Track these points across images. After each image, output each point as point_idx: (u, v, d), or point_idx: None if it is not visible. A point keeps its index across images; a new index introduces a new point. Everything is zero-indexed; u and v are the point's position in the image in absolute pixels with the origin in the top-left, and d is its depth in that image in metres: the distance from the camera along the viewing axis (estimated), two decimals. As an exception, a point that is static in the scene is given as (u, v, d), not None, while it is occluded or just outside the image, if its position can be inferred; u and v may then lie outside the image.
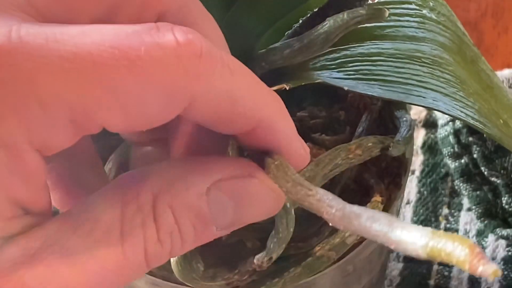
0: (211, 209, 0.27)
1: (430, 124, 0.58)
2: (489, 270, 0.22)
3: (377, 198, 0.38)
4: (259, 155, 0.29)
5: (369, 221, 0.25)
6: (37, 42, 0.24)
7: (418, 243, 0.24)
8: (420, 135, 0.58)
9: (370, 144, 0.37)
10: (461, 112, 0.36)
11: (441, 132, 0.56)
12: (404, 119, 0.39)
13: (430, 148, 0.57)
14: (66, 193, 0.32)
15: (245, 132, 0.28)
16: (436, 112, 0.58)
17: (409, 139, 0.38)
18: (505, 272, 0.52)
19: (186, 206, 0.27)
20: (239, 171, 0.28)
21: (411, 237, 0.24)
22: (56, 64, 0.24)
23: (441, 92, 0.36)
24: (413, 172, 0.57)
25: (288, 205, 0.34)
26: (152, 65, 0.24)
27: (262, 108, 0.28)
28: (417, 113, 0.58)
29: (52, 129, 0.24)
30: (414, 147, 0.57)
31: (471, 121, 0.36)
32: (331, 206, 0.26)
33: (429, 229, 0.24)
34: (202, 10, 0.30)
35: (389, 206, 0.39)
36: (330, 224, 0.27)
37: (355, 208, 0.26)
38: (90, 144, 0.33)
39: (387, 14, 0.34)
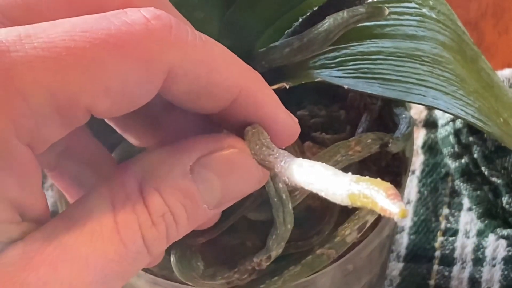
0: (198, 187, 0.27)
1: (430, 124, 0.58)
2: (396, 209, 0.22)
3: (377, 196, 0.38)
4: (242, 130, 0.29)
5: (307, 169, 0.25)
6: (10, 39, 0.24)
7: (342, 188, 0.23)
8: (420, 135, 0.58)
9: (369, 140, 0.37)
10: (461, 110, 0.36)
11: (442, 132, 0.56)
12: (404, 116, 0.39)
13: (431, 148, 0.57)
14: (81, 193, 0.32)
15: (227, 106, 0.28)
16: (436, 112, 0.58)
17: (409, 136, 0.38)
18: (505, 272, 0.51)
19: (172, 187, 0.27)
20: (219, 144, 0.28)
21: (337, 183, 0.24)
22: (32, 55, 0.24)
23: (441, 91, 0.36)
24: (413, 172, 0.56)
25: (284, 196, 0.34)
26: (125, 40, 0.25)
27: (240, 77, 0.28)
28: (417, 113, 0.58)
29: (38, 119, 0.25)
30: (415, 147, 0.57)
31: (471, 120, 0.36)
32: (281, 160, 0.27)
33: (355, 176, 0.24)
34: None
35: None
36: (282, 178, 0.27)
37: (300, 159, 0.26)
38: (97, 143, 0.33)
39: (386, 13, 0.34)
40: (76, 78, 0.24)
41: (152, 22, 0.26)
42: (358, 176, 0.24)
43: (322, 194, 0.24)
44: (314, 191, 0.25)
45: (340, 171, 0.24)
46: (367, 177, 0.23)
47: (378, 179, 0.23)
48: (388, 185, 0.23)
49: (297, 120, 0.30)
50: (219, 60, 0.28)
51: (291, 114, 0.30)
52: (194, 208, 0.28)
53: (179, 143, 0.28)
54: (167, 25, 0.26)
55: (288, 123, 0.30)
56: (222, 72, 0.27)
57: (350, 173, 0.24)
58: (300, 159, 0.26)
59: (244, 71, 0.29)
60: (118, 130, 0.33)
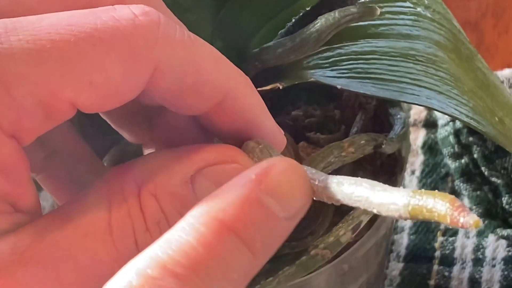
0: (198, 196, 0.27)
1: (430, 124, 0.58)
2: (470, 221, 0.22)
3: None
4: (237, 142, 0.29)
5: (351, 187, 0.25)
6: None
7: (400, 203, 0.23)
8: (420, 135, 0.58)
9: (363, 141, 0.37)
10: (455, 110, 0.36)
11: (441, 132, 0.56)
12: (399, 116, 0.39)
13: (430, 148, 0.57)
14: (69, 196, 0.32)
15: (214, 106, 0.28)
16: (436, 112, 0.58)
17: (403, 136, 0.38)
18: (505, 272, 0.51)
19: (170, 194, 0.27)
20: (222, 157, 0.28)
21: (392, 198, 0.24)
22: (16, 47, 0.24)
23: (435, 90, 0.36)
24: (413, 172, 0.56)
25: None
26: (110, 35, 0.25)
27: (228, 78, 0.28)
28: (417, 113, 0.58)
29: (21, 111, 0.25)
30: (414, 147, 0.57)
31: (465, 119, 0.36)
32: (313, 179, 0.26)
33: (409, 189, 0.24)
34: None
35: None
36: (314, 198, 0.26)
37: (337, 177, 0.26)
38: (86, 146, 0.33)
39: (378, 12, 0.34)
40: (59, 71, 0.25)
41: (140, 18, 0.26)
42: (412, 189, 0.24)
43: (374, 210, 0.24)
44: (361, 207, 0.25)
45: (388, 185, 0.24)
46: (423, 190, 0.23)
47: (436, 191, 0.23)
48: (452, 197, 0.23)
49: (282, 131, 0.30)
50: (207, 59, 0.27)
51: (278, 126, 0.30)
52: None
53: (182, 149, 0.28)
54: (155, 22, 0.26)
55: (275, 133, 0.29)
56: (210, 72, 0.27)
57: (401, 187, 0.24)
58: (335, 176, 0.26)
59: (233, 73, 0.28)
60: (113, 126, 0.33)
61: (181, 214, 0.27)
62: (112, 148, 0.38)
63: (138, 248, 0.26)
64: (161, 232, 0.26)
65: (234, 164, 0.28)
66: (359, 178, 0.25)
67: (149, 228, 0.26)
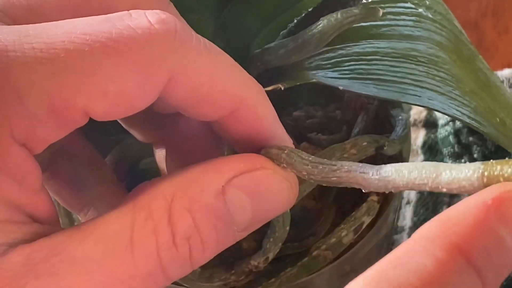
0: (229, 208, 0.26)
1: (430, 124, 0.58)
2: None
3: (373, 197, 0.38)
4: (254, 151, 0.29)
5: (413, 172, 0.24)
6: (10, 38, 0.24)
7: (473, 176, 0.23)
8: (420, 135, 0.58)
9: (365, 143, 0.37)
10: (457, 111, 0.36)
11: (441, 132, 0.56)
12: (400, 117, 0.39)
13: (430, 148, 0.57)
14: (74, 198, 0.32)
15: (227, 114, 0.28)
16: (436, 112, 0.58)
17: (405, 138, 0.38)
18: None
19: (205, 207, 0.26)
20: (250, 165, 0.27)
21: (463, 174, 0.23)
22: (30, 56, 0.24)
23: (436, 91, 0.36)
24: (413, 172, 0.56)
25: None
26: (125, 44, 0.25)
27: (242, 87, 0.28)
28: (417, 113, 0.58)
29: (33, 120, 0.24)
30: (414, 147, 0.57)
31: (467, 120, 0.36)
32: (365, 172, 0.26)
33: (478, 163, 0.23)
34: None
35: (386, 205, 0.39)
36: (365, 191, 0.26)
37: (392, 165, 0.25)
38: (90, 146, 0.33)
39: (381, 13, 0.34)
40: (73, 81, 0.24)
41: (156, 26, 0.25)
42: (481, 162, 0.23)
43: (443, 190, 0.24)
44: (427, 190, 0.24)
45: (449, 164, 0.24)
46: (492, 161, 0.23)
47: (506, 159, 0.22)
48: None
49: (291, 141, 0.30)
50: (222, 68, 0.27)
51: (287, 133, 0.30)
52: (225, 230, 0.27)
53: (209, 163, 0.28)
54: (171, 30, 0.25)
55: (285, 141, 0.29)
56: (225, 81, 0.27)
57: (463, 160, 0.24)
58: (389, 165, 0.25)
59: (247, 82, 0.28)
60: (123, 125, 0.33)
61: (215, 228, 0.26)
62: (114, 148, 0.38)
63: (162, 265, 0.25)
64: (190, 248, 0.26)
65: (264, 170, 0.28)
66: (414, 163, 0.25)
67: (177, 244, 0.26)
